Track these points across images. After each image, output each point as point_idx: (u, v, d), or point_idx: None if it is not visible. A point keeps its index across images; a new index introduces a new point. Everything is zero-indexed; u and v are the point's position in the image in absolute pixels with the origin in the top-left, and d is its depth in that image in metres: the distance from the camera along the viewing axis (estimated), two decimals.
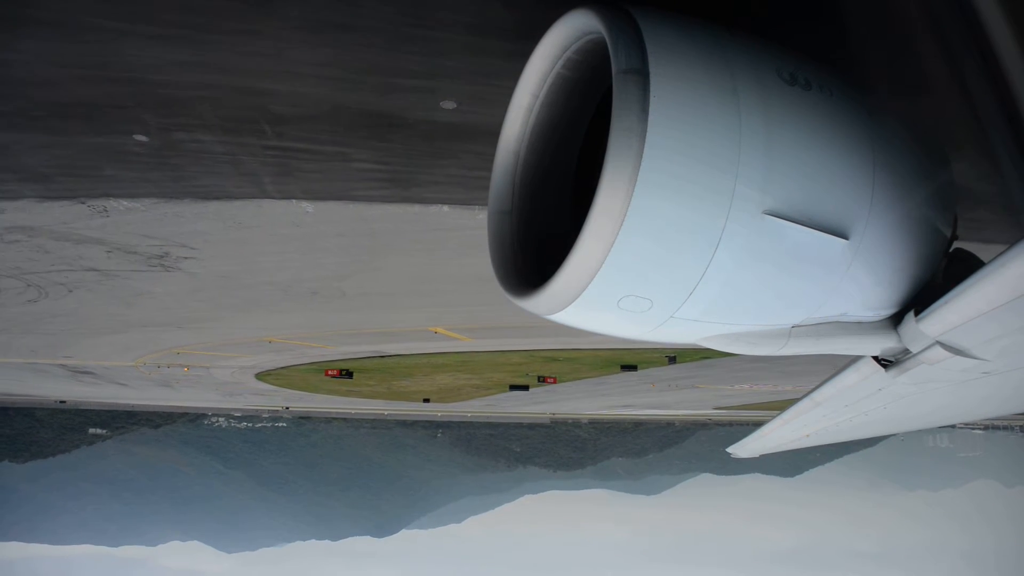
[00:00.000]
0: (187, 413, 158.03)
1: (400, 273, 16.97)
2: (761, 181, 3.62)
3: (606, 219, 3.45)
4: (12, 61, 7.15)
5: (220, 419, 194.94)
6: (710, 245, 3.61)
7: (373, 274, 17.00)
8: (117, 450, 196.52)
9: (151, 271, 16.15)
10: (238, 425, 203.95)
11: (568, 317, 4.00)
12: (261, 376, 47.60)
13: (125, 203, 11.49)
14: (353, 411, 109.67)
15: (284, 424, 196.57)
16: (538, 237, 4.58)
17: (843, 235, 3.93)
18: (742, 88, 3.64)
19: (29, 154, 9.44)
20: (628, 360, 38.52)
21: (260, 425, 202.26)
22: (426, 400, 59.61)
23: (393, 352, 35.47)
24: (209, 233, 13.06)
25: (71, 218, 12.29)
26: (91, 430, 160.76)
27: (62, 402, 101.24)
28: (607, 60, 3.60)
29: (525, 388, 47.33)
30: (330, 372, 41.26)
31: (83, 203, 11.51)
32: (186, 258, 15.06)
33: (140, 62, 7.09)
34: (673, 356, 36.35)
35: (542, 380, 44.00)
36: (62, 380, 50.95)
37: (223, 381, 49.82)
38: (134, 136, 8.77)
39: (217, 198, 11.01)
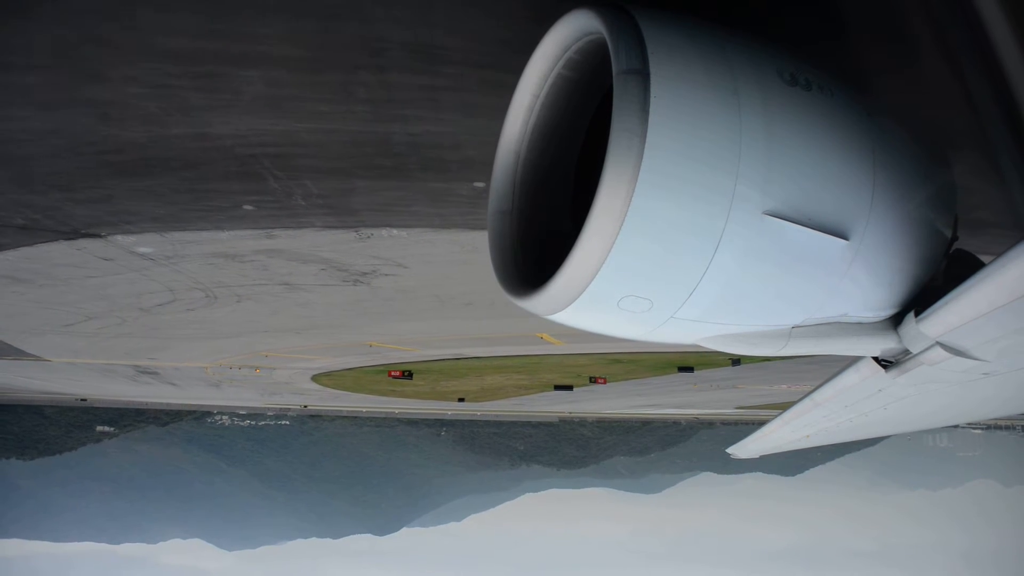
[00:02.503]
0: (194, 411, 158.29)
1: None
2: (761, 182, 3.65)
3: (606, 219, 3.48)
4: (438, 132, 8.54)
5: (224, 417, 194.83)
6: (710, 245, 3.65)
7: None
8: (119, 448, 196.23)
9: (340, 285, 17.36)
10: (241, 423, 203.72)
11: (568, 317, 4.01)
12: (316, 377, 48.70)
13: (395, 231, 12.79)
14: (365, 409, 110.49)
15: (287, 422, 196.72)
16: (538, 237, 4.60)
17: (843, 236, 3.96)
18: (743, 89, 3.66)
19: (364, 195, 10.78)
20: (690, 362, 39.85)
21: (263, 423, 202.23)
22: (461, 400, 60.64)
23: (472, 355, 36.84)
24: (438, 255, 14.28)
25: (329, 243, 13.52)
26: (99, 428, 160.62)
27: (83, 400, 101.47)
28: (608, 60, 3.62)
29: (569, 388, 48.29)
30: (392, 373, 42.43)
31: (356, 231, 12.83)
32: (386, 275, 16.26)
33: None
34: (737, 359, 37.56)
35: (593, 380, 45.08)
36: (121, 380, 51.69)
37: (277, 382, 50.85)
38: (473, 183, 10.12)
39: (484, 229, 12.20)
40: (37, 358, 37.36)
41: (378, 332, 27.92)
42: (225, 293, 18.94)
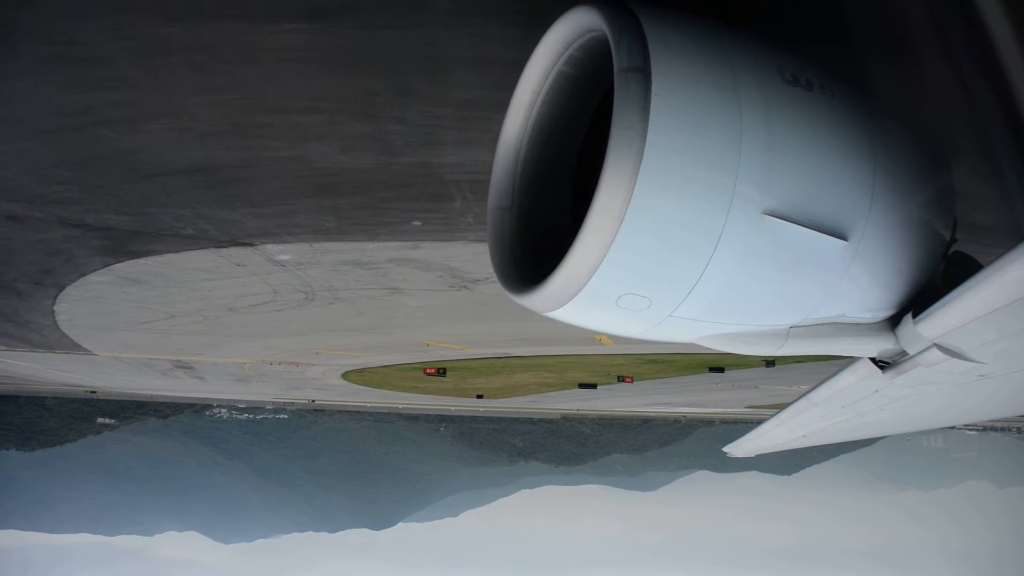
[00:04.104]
0: (194, 404, 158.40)
1: None
2: (761, 181, 3.65)
3: (606, 217, 3.49)
4: None
5: (222, 410, 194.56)
6: (709, 244, 3.65)
7: None
8: (116, 440, 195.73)
9: (444, 291, 18.20)
10: (239, 416, 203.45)
11: (566, 314, 4.04)
12: (346, 374, 49.42)
13: None
14: (370, 404, 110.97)
15: (285, 416, 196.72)
16: (538, 234, 4.62)
17: (842, 236, 3.97)
18: (744, 88, 3.66)
19: None
20: (724, 363, 40.74)
21: (261, 417, 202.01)
22: (479, 396, 61.41)
23: (518, 354, 37.78)
24: None
25: (465, 254, 14.16)
26: (99, 419, 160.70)
27: (92, 392, 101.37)
28: (609, 58, 3.63)
29: (593, 386, 49.06)
30: (428, 371, 43.23)
31: None
32: (495, 282, 17.22)
33: None
34: (772, 361, 38.39)
35: (621, 379, 45.89)
36: (151, 375, 52.12)
37: (306, 377, 51.52)
38: None
39: None
40: (87, 352, 37.90)
41: (444, 333, 28.78)
42: (326, 296, 19.79)
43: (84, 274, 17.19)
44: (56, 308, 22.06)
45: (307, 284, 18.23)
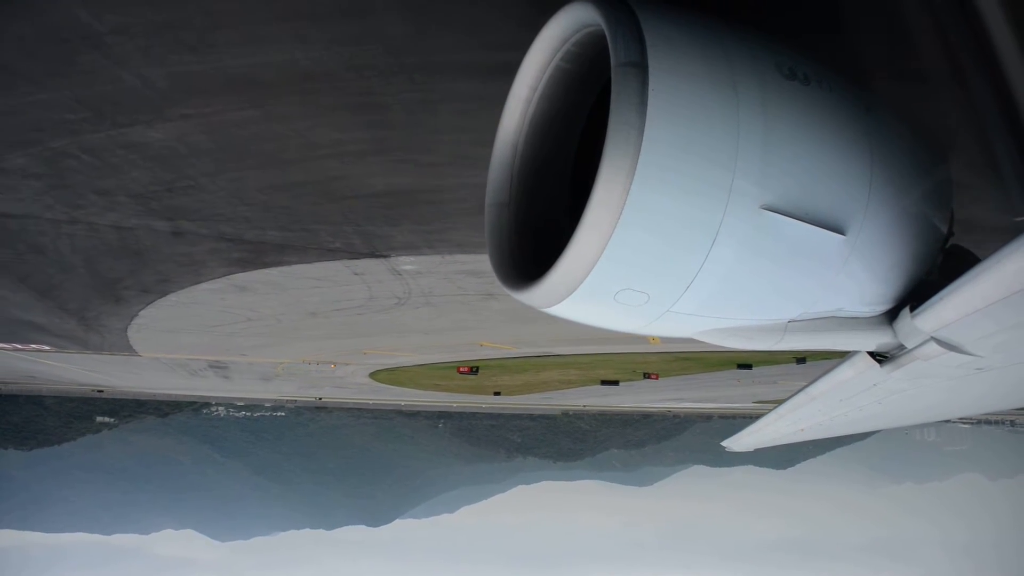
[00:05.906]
0: (194, 402, 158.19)
1: None
2: (759, 176, 3.65)
3: (603, 212, 3.51)
4: None
5: (220, 408, 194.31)
6: (707, 239, 3.67)
7: None
8: (113, 439, 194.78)
9: None
10: (237, 415, 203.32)
11: (565, 310, 4.05)
12: (374, 373, 50.18)
13: None
14: (372, 401, 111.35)
15: (283, 413, 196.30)
16: (536, 230, 4.62)
17: (840, 230, 3.98)
18: (741, 82, 3.65)
19: None
20: (752, 361, 41.75)
21: (259, 415, 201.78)
22: (496, 393, 62.25)
23: (558, 352, 38.71)
24: None
25: None
26: (99, 418, 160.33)
27: (99, 391, 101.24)
28: (606, 53, 3.64)
29: (615, 383, 50.10)
30: (461, 369, 44.10)
31: None
32: None
33: None
34: (803, 358, 39.13)
35: (647, 376, 46.89)
36: (180, 375, 52.48)
37: (330, 376, 52.20)
38: None
39: None
40: (132, 353, 38.40)
41: (504, 333, 29.64)
42: (418, 300, 20.56)
43: (198, 283, 17.88)
44: (141, 312, 22.65)
45: (409, 290, 19.01)
